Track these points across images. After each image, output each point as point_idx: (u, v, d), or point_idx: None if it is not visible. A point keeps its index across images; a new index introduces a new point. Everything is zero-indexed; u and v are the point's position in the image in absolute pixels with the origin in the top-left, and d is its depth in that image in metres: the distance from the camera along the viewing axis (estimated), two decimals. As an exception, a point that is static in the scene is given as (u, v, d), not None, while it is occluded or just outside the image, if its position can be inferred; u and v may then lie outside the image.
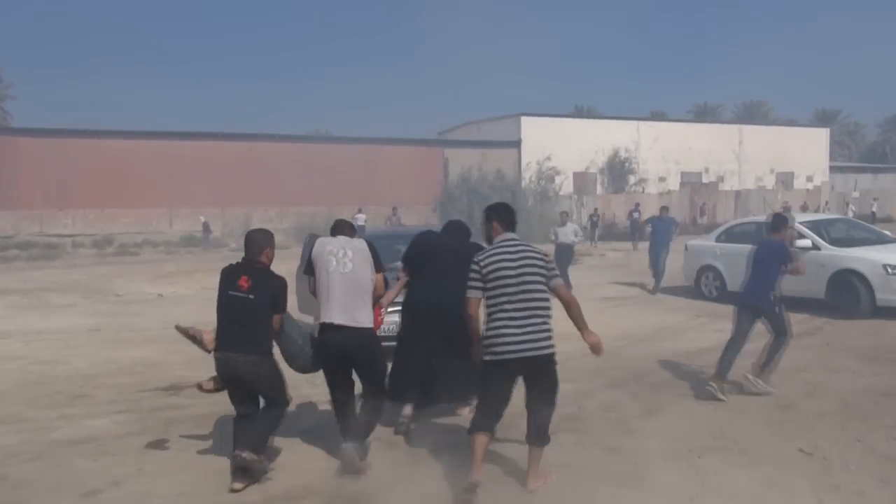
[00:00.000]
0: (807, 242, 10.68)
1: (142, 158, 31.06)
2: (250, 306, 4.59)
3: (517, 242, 4.43)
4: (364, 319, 4.77)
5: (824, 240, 10.99)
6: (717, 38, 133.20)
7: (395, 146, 36.10)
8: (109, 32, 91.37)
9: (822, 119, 69.96)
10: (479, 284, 4.31)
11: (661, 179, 40.97)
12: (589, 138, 39.11)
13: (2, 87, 40.06)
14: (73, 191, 29.80)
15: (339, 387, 4.96)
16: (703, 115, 66.23)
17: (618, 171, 40.12)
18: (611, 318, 10.80)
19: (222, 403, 5.26)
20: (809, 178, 45.39)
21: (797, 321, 9.12)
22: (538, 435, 4.39)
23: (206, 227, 30.03)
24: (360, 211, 29.13)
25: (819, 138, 47.35)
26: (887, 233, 12.43)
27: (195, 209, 31.40)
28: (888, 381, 6.91)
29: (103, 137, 31.11)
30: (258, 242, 4.77)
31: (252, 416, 4.70)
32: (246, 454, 4.46)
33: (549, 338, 4.29)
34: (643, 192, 38.59)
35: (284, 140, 34.32)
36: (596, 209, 31.95)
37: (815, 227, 11.25)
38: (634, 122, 41.85)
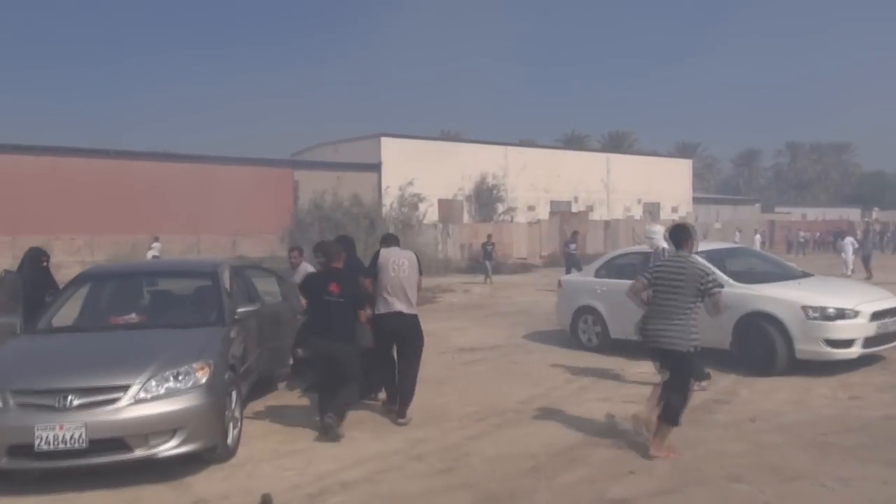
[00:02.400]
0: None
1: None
2: (343, 308, 6.16)
3: None
4: (414, 308, 6.76)
5: (726, 274, 8.92)
6: (586, 67, 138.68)
7: (238, 166, 32.46)
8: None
9: (682, 151, 72.79)
10: None
11: (531, 208, 39.64)
12: (455, 163, 37.16)
13: None
14: None
15: (383, 361, 6.84)
16: (571, 143, 66.81)
17: (486, 198, 38.40)
18: (465, 382, 8.17)
19: None
20: (675, 209, 45.90)
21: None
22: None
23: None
24: (156, 240, 26.06)
25: (683, 169, 48.26)
26: (792, 264, 10.66)
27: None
28: (869, 494, 4.59)
29: None
30: (336, 251, 6.47)
31: (336, 390, 6.14)
32: (329, 418, 5.96)
33: None
34: (512, 220, 37.01)
35: (98, 155, 29.76)
36: (489, 236, 27.08)
37: (712, 257, 9.09)
38: (503, 148, 40.44)
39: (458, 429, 6.39)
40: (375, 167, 35.54)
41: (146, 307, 6.43)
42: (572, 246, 20.88)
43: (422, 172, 34.16)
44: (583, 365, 9.19)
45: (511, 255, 34.75)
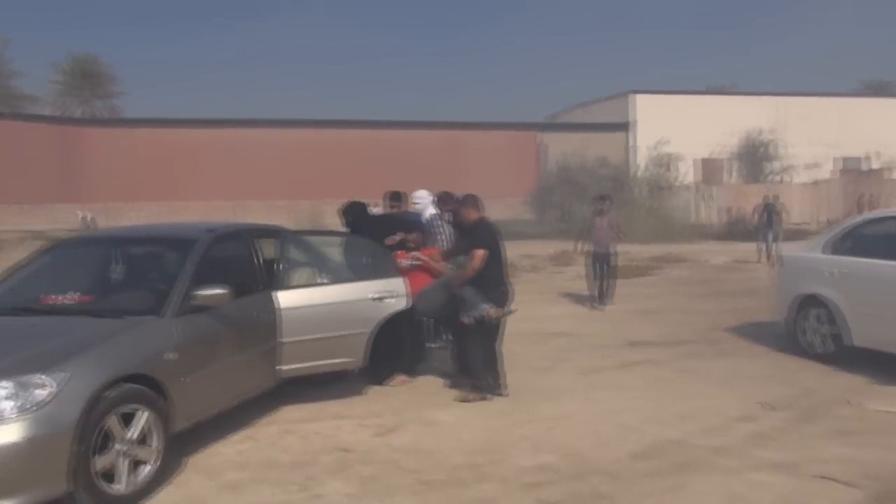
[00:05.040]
0: None
1: (209, 148, 28.48)
2: None
3: None
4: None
5: None
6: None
7: (484, 131, 31.03)
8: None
9: None
10: None
11: (811, 166, 32.39)
12: (718, 119, 31.57)
13: (115, 84, 39.54)
14: (142, 183, 27.66)
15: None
16: (873, 90, 53.75)
17: (753, 156, 32.24)
18: (586, 400, 5.35)
19: None
20: None
21: None
22: None
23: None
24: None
25: None
26: None
27: (264, 201, 28.35)
28: None
29: (169, 127, 28.84)
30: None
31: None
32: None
33: None
34: (783, 181, 30.58)
35: (359, 126, 30.42)
36: (772, 196, 17.58)
37: None
38: (777, 98, 33.45)
39: (454, 496, 3.75)
40: (625, 126, 31.71)
41: (98, 284, 4.80)
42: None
43: (678, 130, 29.59)
44: (791, 384, 5.76)
45: (786, 219, 28.67)
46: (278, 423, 4.96)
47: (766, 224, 15.82)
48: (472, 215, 5.60)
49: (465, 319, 5.33)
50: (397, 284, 5.53)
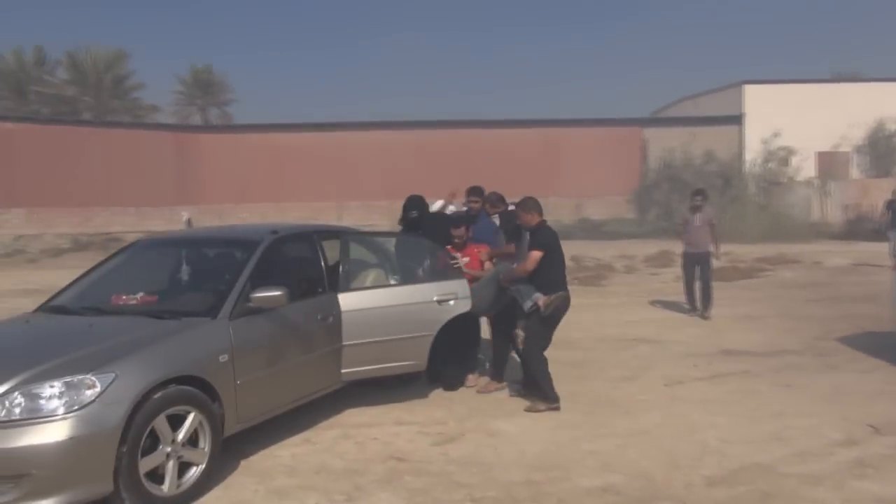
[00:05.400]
0: None
1: (312, 151, 29.46)
2: None
3: None
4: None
5: None
6: None
7: (584, 128, 30.18)
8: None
9: None
10: None
11: (951, 158, 29.32)
12: (840, 108, 29.17)
13: (228, 91, 41.63)
14: (250, 185, 29.01)
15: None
16: None
17: (883, 148, 29.56)
18: (666, 413, 4.93)
19: None
20: None
21: None
22: None
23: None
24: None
25: None
26: None
27: (364, 202, 29.03)
28: None
29: (275, 131, 30.00)
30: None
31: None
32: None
33: None
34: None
35: (455, 126, 30.38)
36: None
37: None
38: (908, 84, 30.49)
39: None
40: (736, 119, 29.88)
41: (165, 285, 4.86)
42: None
43: (794, 121, 27.59)
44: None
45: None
46: (338, 427, 4.87)
47: (891, 222, 14.29)
48: (532, 219, 5.31)
49: (525, 307, 5.15)
50: (460, 286, 5.35)
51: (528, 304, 5.15)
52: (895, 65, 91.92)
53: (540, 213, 5.37)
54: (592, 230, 26.27)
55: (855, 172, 30.14)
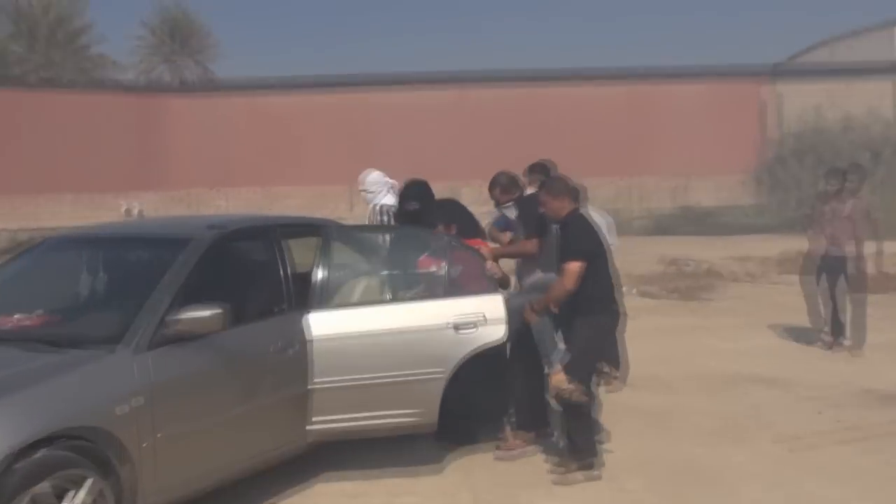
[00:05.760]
0: None
1: (316, 117, 29.59)
2: None
3: None
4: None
5: None
6: None
7: (683, 83, 29.79)
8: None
9: None
10: None
11: None
12: None
13: (209, 44, 42.29)
14: (233, 163, 29.25)
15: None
16: None
17: None
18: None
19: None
20: None
21: None
22: None
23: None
24: None
25: None
26: None
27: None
28: None
29: (267, 92, 30.24)
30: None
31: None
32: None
33: None
34: None
35: (506, 81, 30.22)
36: None
37: None
38: None
39: None
40: (889, 68, 29.26)
41: (69, 301, 4.78)
42: None
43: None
44: None
45: None
46: (310, 500, 4.75)
47: None
48: (563, 207, 5.03)
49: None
50: (492, 304, 5.09)
51: (554, 366, 4.96)
52: None
53: (574, 198, 5.10)
54: (697, 222, 26.07)
55: None
